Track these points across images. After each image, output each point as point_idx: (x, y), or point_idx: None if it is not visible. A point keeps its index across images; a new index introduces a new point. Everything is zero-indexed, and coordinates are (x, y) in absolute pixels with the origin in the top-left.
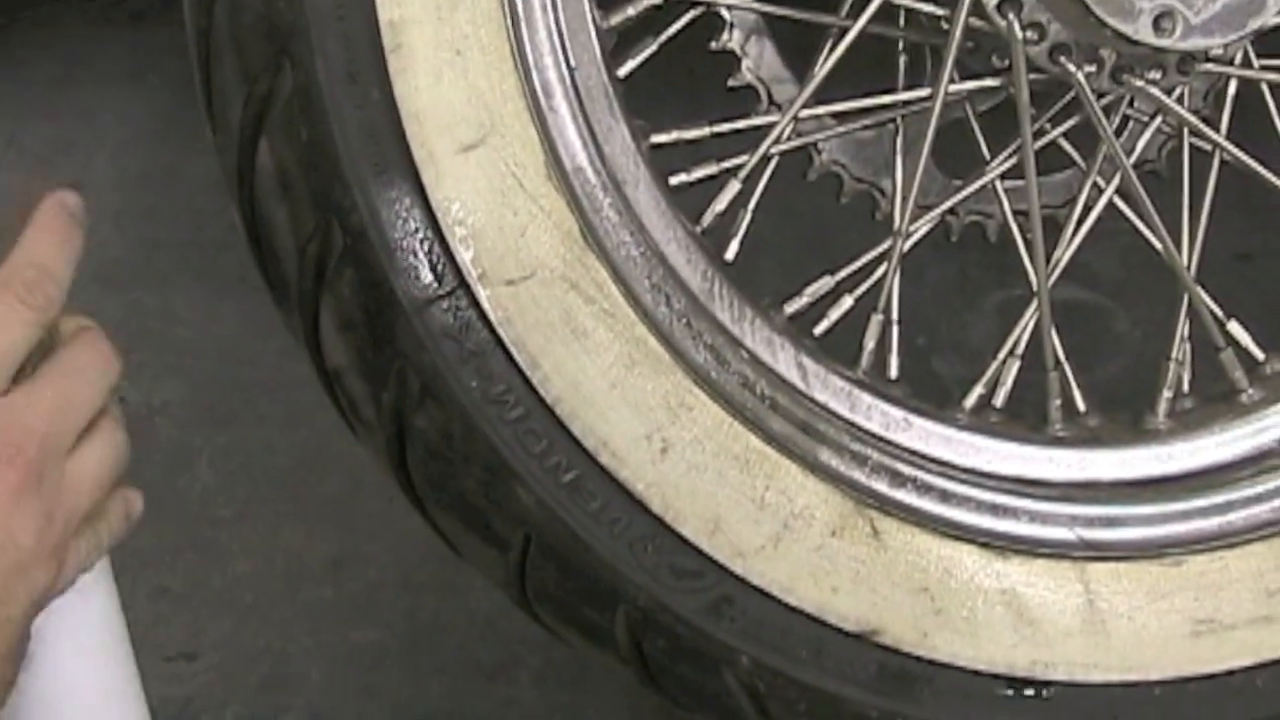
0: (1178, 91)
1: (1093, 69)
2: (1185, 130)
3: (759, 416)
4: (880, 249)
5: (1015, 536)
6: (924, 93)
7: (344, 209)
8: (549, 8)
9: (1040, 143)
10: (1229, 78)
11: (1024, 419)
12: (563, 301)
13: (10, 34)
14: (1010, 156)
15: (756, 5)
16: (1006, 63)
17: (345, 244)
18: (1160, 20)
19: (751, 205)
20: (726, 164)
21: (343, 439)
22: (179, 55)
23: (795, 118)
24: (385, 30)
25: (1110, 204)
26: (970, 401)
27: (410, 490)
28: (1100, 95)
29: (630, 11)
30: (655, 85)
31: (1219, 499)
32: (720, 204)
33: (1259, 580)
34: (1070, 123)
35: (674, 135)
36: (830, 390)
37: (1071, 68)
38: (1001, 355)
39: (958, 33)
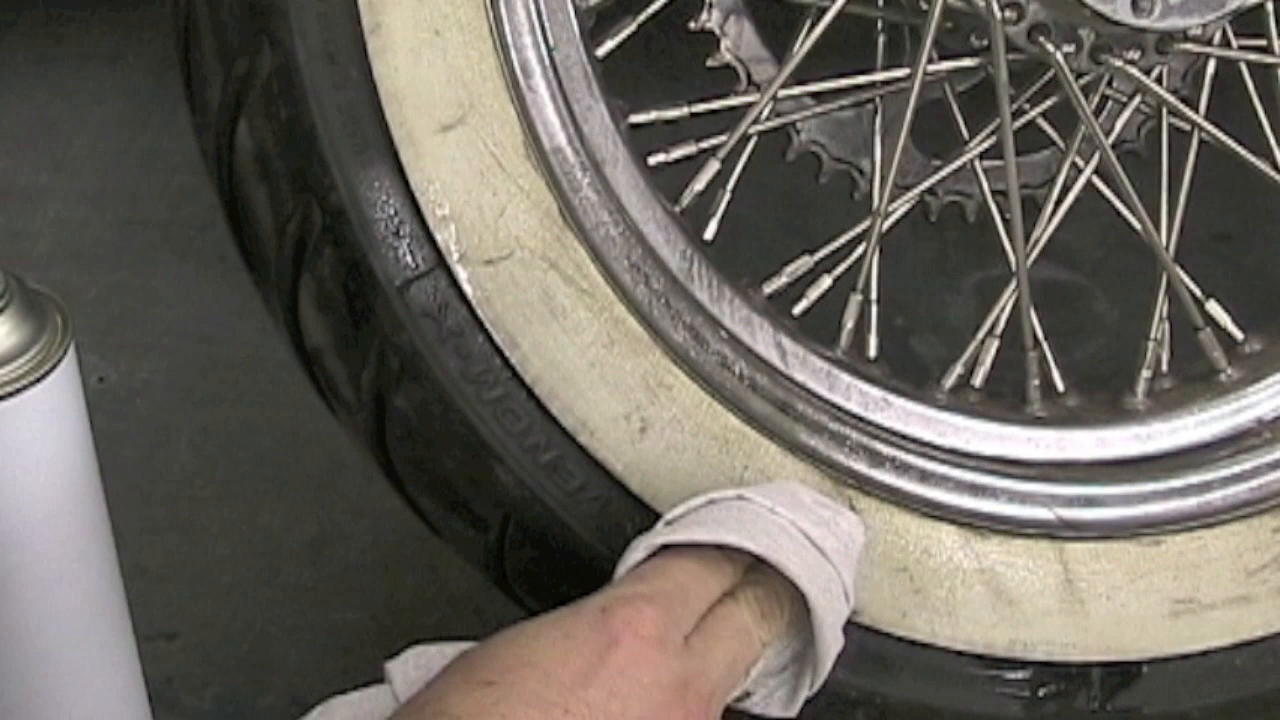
0: (1156, 71)
1: (1071, 49)
2: (1164, 110)
3: (738, 396)
4: (859, 229)
5: (994, 516)
6: (903, 73)
7: (323, 189)
8: None
9: (1019, 123)
10: (1208, 57)
11: (1003, 399)
12: (541, 281)
13: None
14: (989, 136)
15: None
16: (985, 43)
17: (324, 224)
18: (1139, 0)
19: (730, 185)
20: (705, 144)
21: (322, 419)
22: (158, 35)
23: (774, 98)
24: (364, 10)
25: (1089, 184)
26: (949, 381)
27: (389, 470)
28: (1079, 75)
29: None
30: (634, 65)
31: (1198, 478)
32: (699, 184)
33: (1238, 560)
34: (1049, 103)
35: (653, 115)
36: (809, 370)
37: (1050, 48)
38: (980, 335)
39: (936, 13)
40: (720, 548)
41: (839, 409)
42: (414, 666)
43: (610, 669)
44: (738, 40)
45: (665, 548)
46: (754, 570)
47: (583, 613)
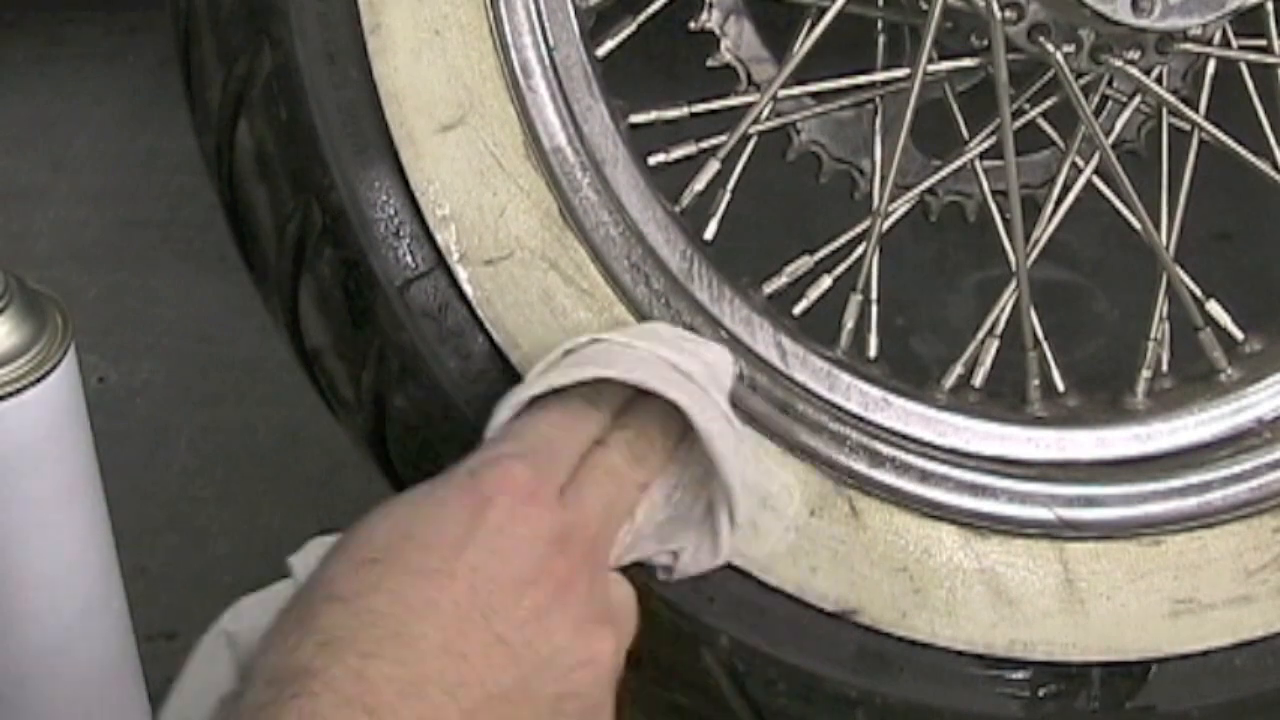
0: (1156, 71)
1: (1071, 49)
2: (1164, 110)
3: (738, 396)
4: (859, 229)
5: (994, 516)
6: (903, 73)
7: (323, 189)
8: None
9: (1019, 122)
10: (1208, 57)
11: (1003, 399)
12: (542, 281)
13: None
14: (989, 136)
15: None
16: (985, 43)
17: (324, 224)
18: (1139, 0)
19: (730, 185)
20: (705, 144)
21: (323, 419)
22: (158, 35)
23: (774, 97)
24: (364, 10)
25: (1089, 184)
26: (949, 381)
27: (389, 470)
28: (1079, 75)
29: None
30: (634, 65)
31: (1198, 478)
32: (699, 184)
33: (1238, 560)
34: (1049, 102)
35: (653, 115)
36: (809, 370)
37: (1050, 47)
38: (980, 335)
39: (936, 13)
40: (585, 397)
41: (839, 409)
42: (314, 557)
43: (486, 528)
44: (738, 40)
45: (531, 404)
46: (623, 414)
47: (453, 478)
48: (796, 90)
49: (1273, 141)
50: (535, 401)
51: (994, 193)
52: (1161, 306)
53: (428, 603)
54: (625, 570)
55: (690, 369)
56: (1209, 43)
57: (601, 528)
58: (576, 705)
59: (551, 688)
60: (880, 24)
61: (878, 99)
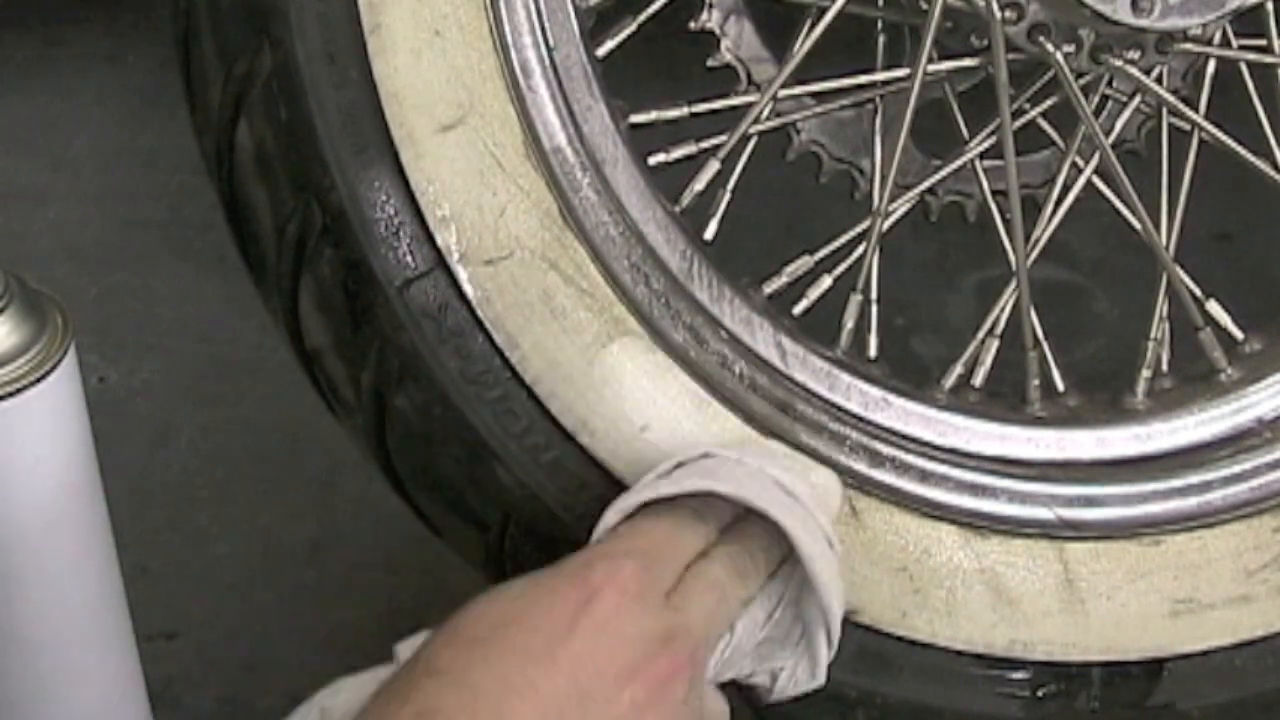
0: (1156, 71)
1: (1071, 49)
2: (1164, 110)
3: (738, 396)
4: (859, 228)
5: (994, 516)
6: (903, 73)
7: (323, 189)
8: None
9: (1019, 122)
10: (1208, 57)
11: (1003, 399)
12: (541, 281)
13: None
14: (989, 136)
15: None
16: (985, 43)
17: (324, 224)
18: (1139, 0)
19: (730, 185)
20: (705, 144)
21: (323, 420)
22: (158, 35)
23: (774, 97)
24: (364, 10)
25: (1089, 184)
26: (949, 381)
27: (390, 471)
28: (1079, 75)
29: None
30: (634, 65)
31: (1198, 478)
32: (699, 184)
33: (1238, 559)
34: (1049, 102)
35: (653, 115)
36: (809, 370)
37: (1050, 47)
38: (980, 335)
39: (936, 13)
40: (692, 509)
41: (839, 409)
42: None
43: (593, 621)
44: (738, 40)
45: (639, 511)
46: (728, 530)
47: (564, 569)
48: (796, 90)
49: (1273, 141)
50: (644, 509)
51: (994, 193)
52: (1161, 306)
53: (528, 684)
54: (720, 688)
55: (797, 490)
56: (1209, 43)
57: (703, 637)
58: None
59: None
60: (880, 24)
61: (878, 99)
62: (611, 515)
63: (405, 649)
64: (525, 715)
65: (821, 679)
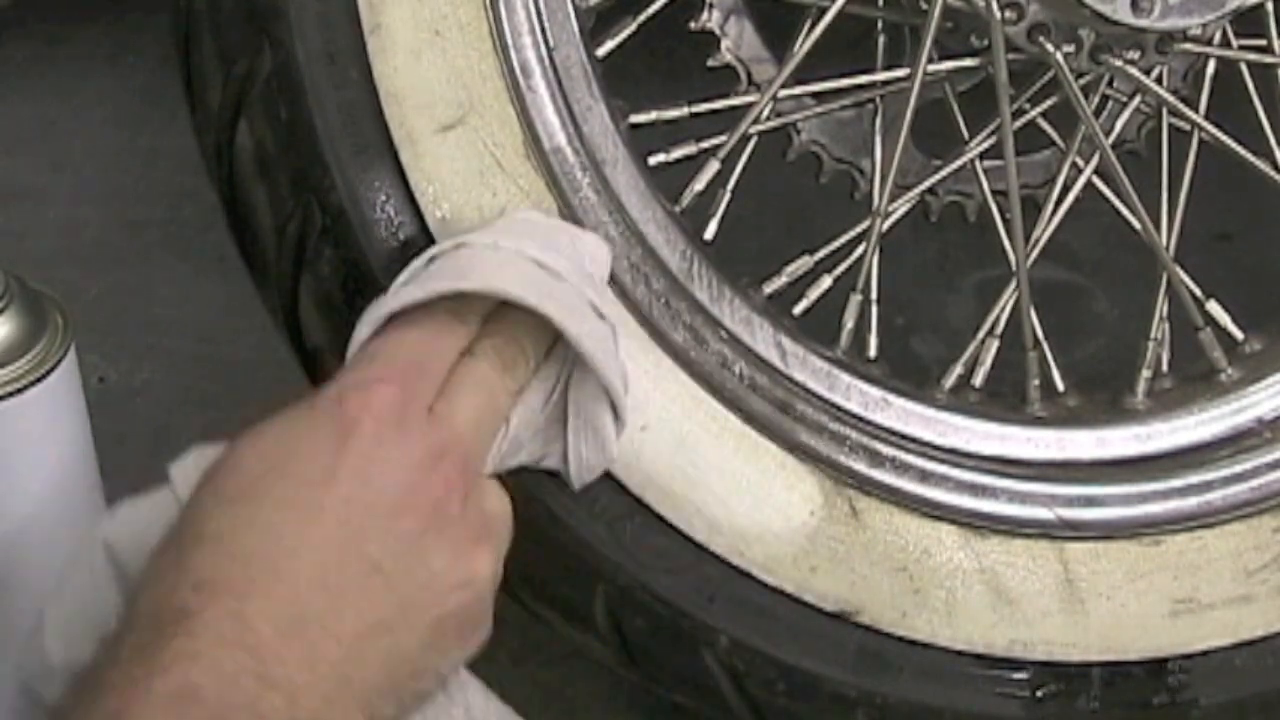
0: (1156, 71)
1: (1071, 49)
2: (1164, 110)
3: (738, 396)
4: (859, 229)
5: (994, 516)
6: (903, 73)
7: (323, 189)
8: None
9: (1019, 123)
10: (1208, 57)
11: (1003, 399)
12: None
13: None
14: (989, 136)
15: None
16: (985, 43)
17: (324, 224)
18: (1139, 0)
19: (730, 185)
20: (705, 144)
21: None
22: (158, 35)
23: (774, 98)
24: (364, 10)
25: (1089, 184)
26: (949, 381)
27: None
28: (1079, 75)
29: None
30: (634, 65)
31: (1198, 478)
32: (699, 184)
33: (1238, 559)
34: (1049, 103)
35: (653, 115)
36: (809, 370)
37: (1050, 47)
38: (980, 335)
39: (936, 13)
40: (449, 308)
41: (839, 409)
42: (195, 468)
43: (354, 456)
44: (738, 40)
45: (393, 318)
46: (491, 320)
47: (318, 404)
48: (797, 90)
49: (1273, 141)
50: (397, 316)
51: (994, 193)
52: (1161, 306)
53: (300, 538)
54: (511, 476)
55: (558, 266)
56: (1209, 43)
57: (474, 441)
58: (456, 624)
59: (432, 611)
60: (880, 24)
61: (878, 99)
62: (363, 328)
63: (178, 475)
64: (301, 571)
65: (613, 455)
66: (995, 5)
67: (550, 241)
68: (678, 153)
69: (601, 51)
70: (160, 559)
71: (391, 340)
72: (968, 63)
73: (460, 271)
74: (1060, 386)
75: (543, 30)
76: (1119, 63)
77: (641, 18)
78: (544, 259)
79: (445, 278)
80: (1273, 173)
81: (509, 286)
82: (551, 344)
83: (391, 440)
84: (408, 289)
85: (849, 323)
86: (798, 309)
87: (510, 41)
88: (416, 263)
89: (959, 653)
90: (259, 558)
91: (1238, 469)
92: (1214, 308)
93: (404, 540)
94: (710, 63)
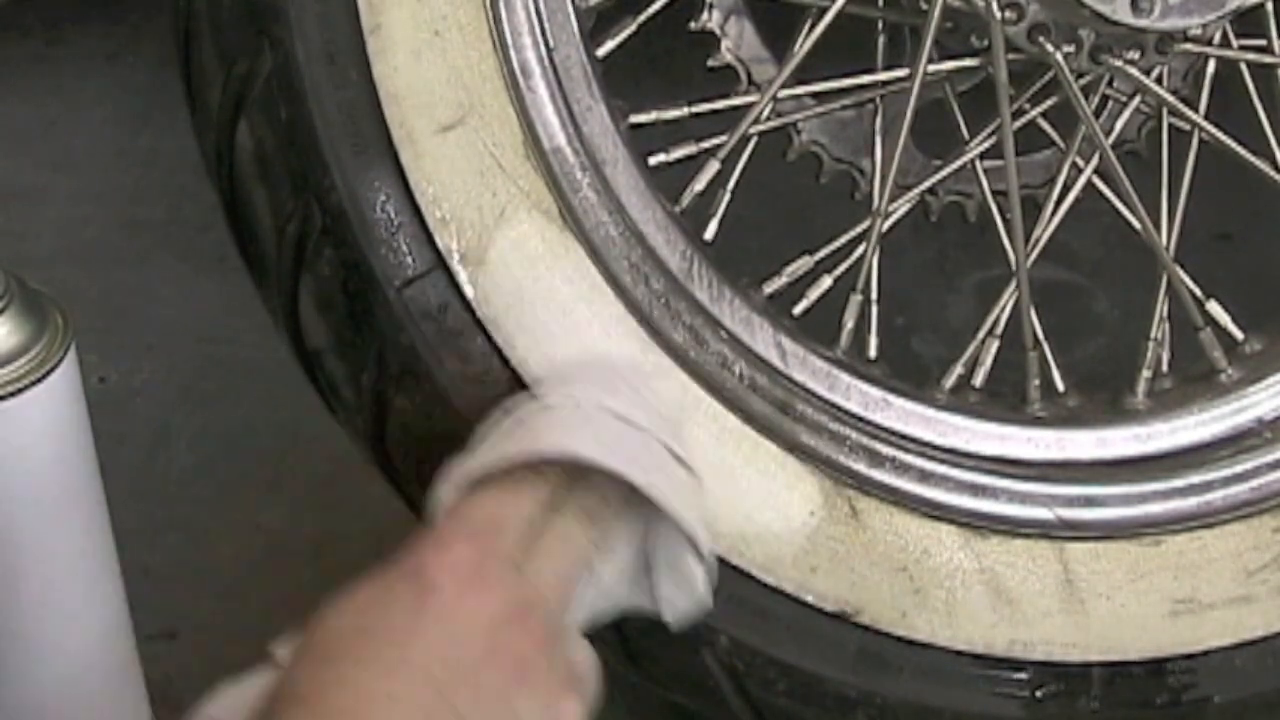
0: (1156, 71)
1: (1071, 49)
2: (1164, 110)
3: (738, 396)
4: (859, 229)
5: (994, 516)
6: (903, 73)
7: (323, 189)
8: None
9: (1019, 123)
10: (1208, 57)
11: (1003, 399)
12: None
13: None
14: (989, 136)
15: None
16: (985, 43)
17: (324, 224)
18: (1139, 0)
19: (730, 185)
20: (706, 144)
21: (322, 419)
22: (158, 35)
23: (774, 98)
24: (364, 11)
25: (1089, 184)
26: (949, 381)
27: (390, 471)
28: (1079, 75)
29: None
30: (634, 65)
31: (1198, 479)
32: (699, 184)
33: (1238, 560)
34: (1049, 103)
35: (653, 115)
36: (809, 370)
37: (1050, 48)
38: (980, 335)
39: (936, 13)
40: (530, 465)
41: (839, 409)
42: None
43: (437, 613)
44: (738, 40)
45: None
46: (574, 473)
47: (400, 567)
48: (797, 90)
49: (1273, 141)
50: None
51: (994, 193)
52: (1161, 306)
53: (388, 695)
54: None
55: (637, 418)
56: (1209, 43)
57: (559, 594)
58: None
59: None
60: (880, 24)
61: (878, 99)
62: (445, 491)
63: (282, 651)
64: None
65: (704, 599)
66: (995, 5)
67: (627, 388)
68: (678, 153)
69: (601, 51)
70: (256, 717)
71: (472, 501)
72: (968, 63)
73: (538, 434)
74: (1060, 386)
75: (543, 30)
76: (1119, 63)
77: (641, 18)
78: (622, 410)
79: (523, 441)
80: (1273, 173)
81: (586, 450)
82: (632, 491)
83: (473, 596)
84: (487, 454)
85: (849, 323)
86: (798, 309)
87: (510, 42)
88: (496, 413)
89: (959, 653)
90: (349, 716)
91: (1238, 469)
92: (1214, 308)
93: (490, 693)
94: (710, 63)
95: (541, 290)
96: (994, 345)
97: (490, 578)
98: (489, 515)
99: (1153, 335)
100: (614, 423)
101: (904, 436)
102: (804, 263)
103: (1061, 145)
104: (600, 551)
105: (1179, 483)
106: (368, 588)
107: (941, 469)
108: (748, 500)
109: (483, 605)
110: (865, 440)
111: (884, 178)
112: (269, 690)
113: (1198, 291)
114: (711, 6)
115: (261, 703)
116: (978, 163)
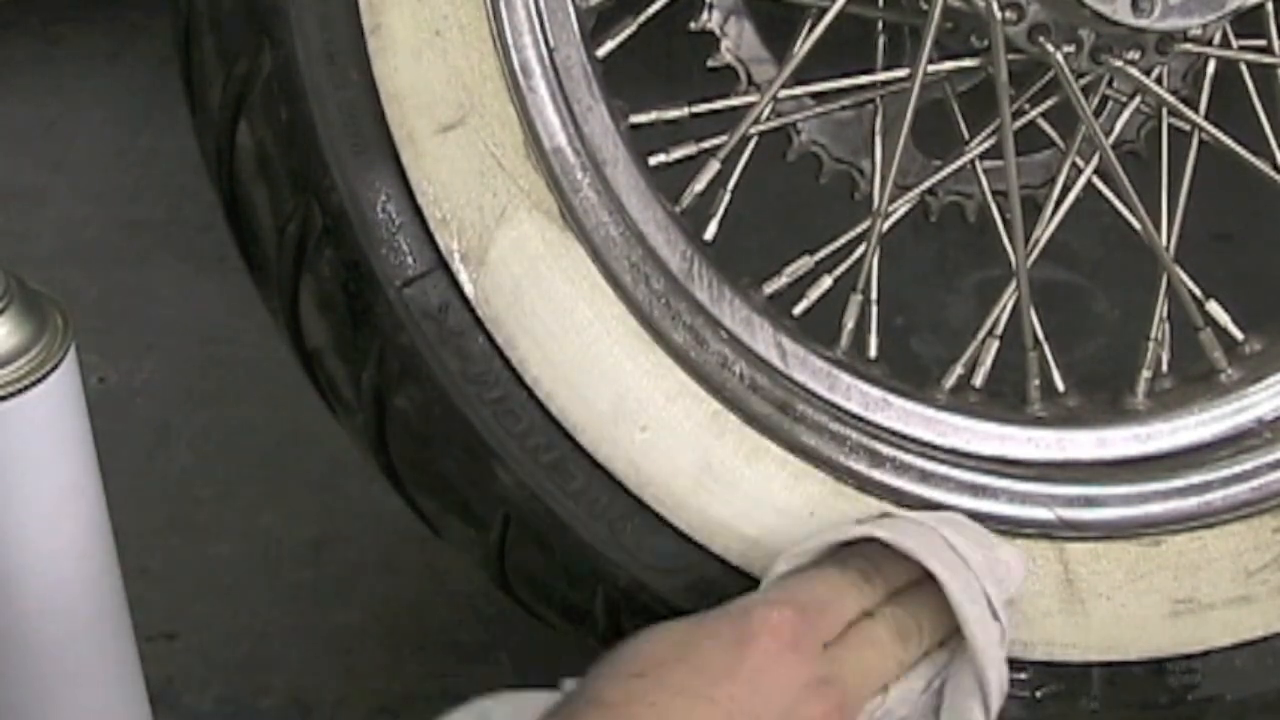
0: (1156, 72)
1: (1071, 49)
2: (1164, 110)
3: (738, 396)
4: (859, 229)
5: (994, 516)
6: (903, 73)
7: (323, 189)
8: None
9: (1019, 123)
10: (1208, 58)
11: (1003, 399)
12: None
13: None
14: (989, 137)
15: None
16: (985, 43)
17: (324, 224)
18: (1139, 0)
19: (731, 185)
20: (706, 144)
21: (322, 419)
22: (158, 35)
23: (774, 98)
24: (364, 10)
25: (1089, 184)
26: (949, 381)
27: (390, 471)
28: (1079, 75)
29: None
30: (634, 65)
31: (1198, 479)
32: (699, 184)
33: (1238, 560)
34: (1049, 103)
35: (653, 115)
36: (809, 370)
37: (1050, 48)
38: (980, 335)
39: (936, 13)
40: (862, 569)
41: (839, 409)
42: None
43: (750, 665)
44: (738, 40)
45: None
46: (898, 594)
47: (726, 613)
48: (797, 90)
49: (1273, 141)
50: (813, 563)
51: (994, 193)
52: (1161, 306)
53: None
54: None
55: (969, 556)
56: (1209, 43)
57: (856, 690)
58: None
59: None
60: (880, 24)
61: (878, 99)
62: (782, 564)
63: (570, 683)
64: None
65: None
66: (995, 5)
67: (970, 535)
68: (678, 153)
69: (602, 52)
70: (550, 717)
71: (804, 577)
72: (968, 63)
73: (873, 525)
74: (1060, 386)
75: (543, 30)
76: (1119, 63)
77: (641, 18)
78: (958, 544)
79: (860, 526)
80: (1273, 173)
81: (913, 546)
82: (945, 636)
83: (786, 659)
84: (830, 532)
85: (849, 323)
86: (798, 309)
87: (510, 42)
88: (842, 520)
89: None
90: None
91: (1238, 469)
92: (1214, 308)
93: None
94: (710, 63)
95: (542, 290)
96: (994, 345)
97: (804, 647)
98: (816, 595)
99: (1153, 335)
100: (949, 550)
101: (904, 437)
102: (804, 263)
103: (1061, 145)
104: (900, 672)
105: (1179, 483)
106: (691, 621)
107: (942, 469)
108: (748, 500)
109: (794, 670)
110: (865, 440)
111: (884, 178)
112: (554, 706)
113: (1197, 291)
114: (711, 6)
115: (555, 704)
116: (978, 163)
